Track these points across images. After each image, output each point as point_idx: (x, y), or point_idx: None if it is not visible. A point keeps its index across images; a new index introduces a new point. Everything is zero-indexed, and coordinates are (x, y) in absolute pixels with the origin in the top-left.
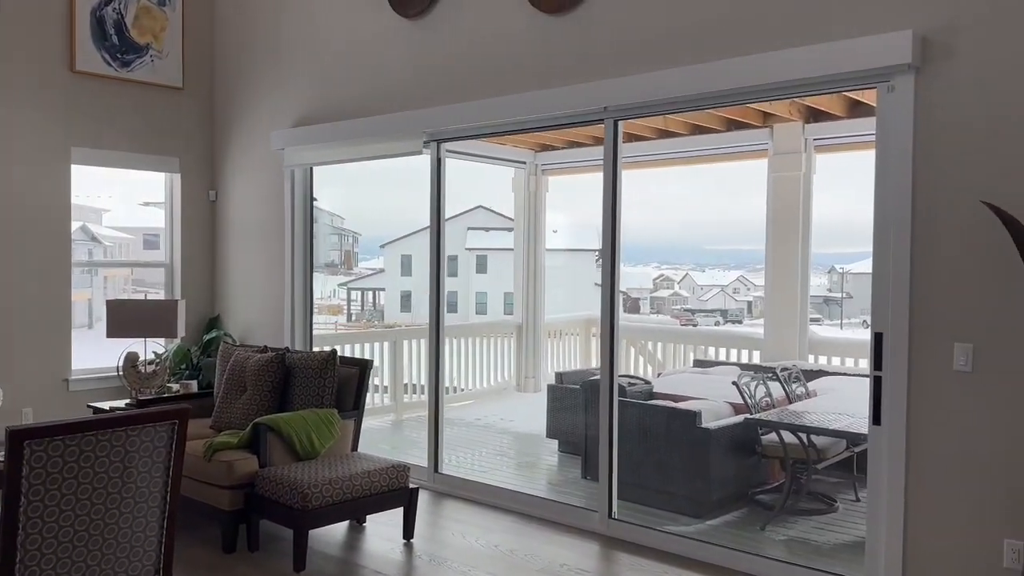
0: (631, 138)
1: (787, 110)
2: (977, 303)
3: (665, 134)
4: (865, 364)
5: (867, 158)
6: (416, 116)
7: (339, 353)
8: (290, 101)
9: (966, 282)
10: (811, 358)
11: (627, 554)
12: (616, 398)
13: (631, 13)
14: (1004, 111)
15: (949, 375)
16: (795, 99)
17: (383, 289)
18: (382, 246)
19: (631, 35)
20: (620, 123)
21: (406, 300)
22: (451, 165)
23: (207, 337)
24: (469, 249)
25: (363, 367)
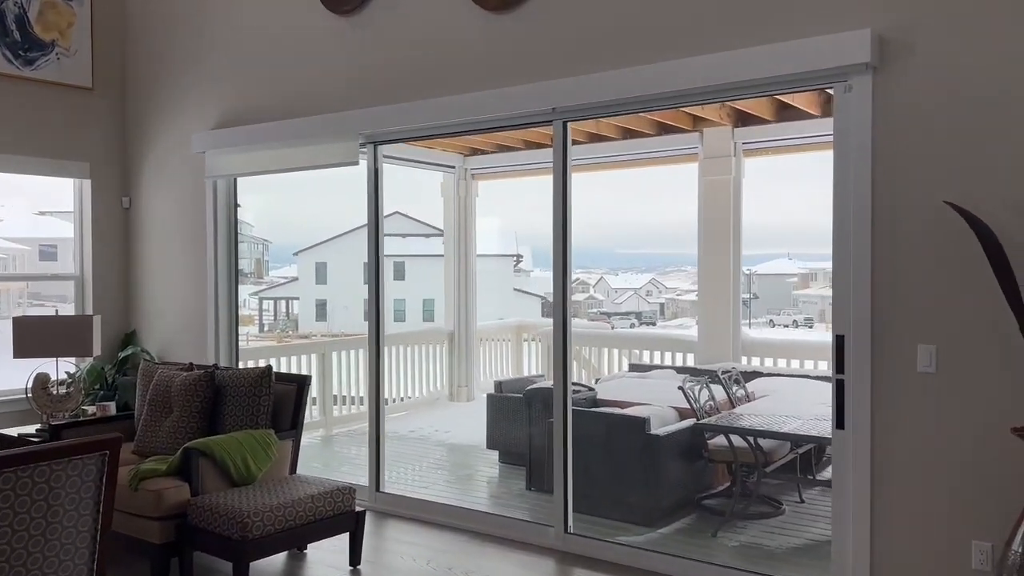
0: None
1: (717, 114)
2: (940, 303)
3: (596, 138)
4: (797, 364)
5: (795, 161)
6: (352, 117)
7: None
8: (212, 101)
9: (928, 282)
10: (744, 360)
11: (586, 570)
12: (570, 408)
13: (580, 11)
14: (963, 110)
15: (913, 376)
16: (751, 98)
17: (297, 298)
18: (295, 254)
19: (580, 34)
20: (569, 124)
21: (321, 309)
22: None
23: (122, 354)
24: (386, 256)
25: (301, 383)
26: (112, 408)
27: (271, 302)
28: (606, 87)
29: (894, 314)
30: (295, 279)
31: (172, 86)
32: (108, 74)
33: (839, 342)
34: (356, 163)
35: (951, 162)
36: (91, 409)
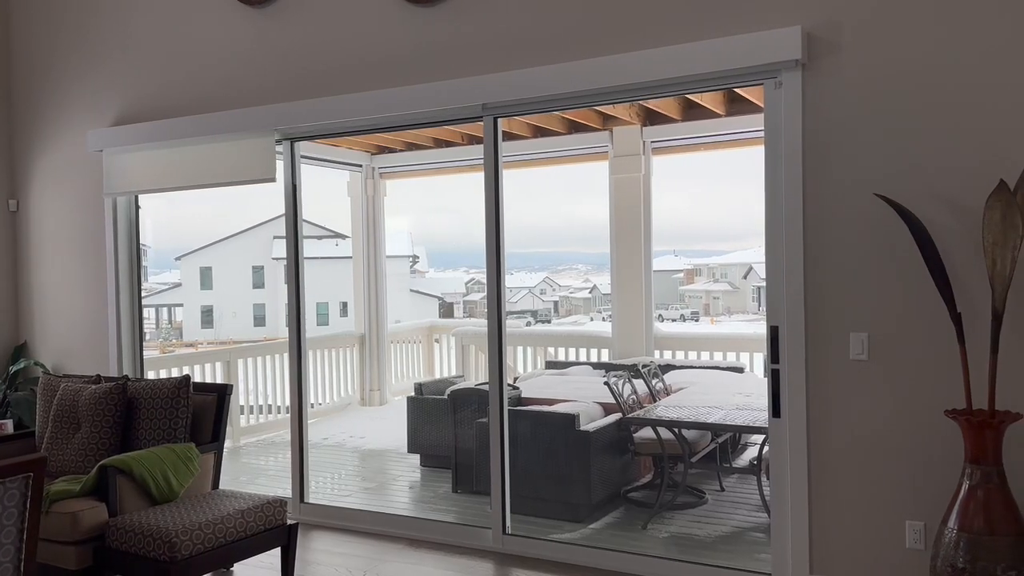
0: (471, 140)
1: (626, 113)
2: (871, 293)
3: (507, 136)
4: (707, 356)
5: (699, 160)
6: (266, 112)
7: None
8: (110, 96)
9: (859, 273)
10: (656, 353)
11: (526, 570)
12: (506, 408)
13: (509, 6)
14: (890, 105)
15: (846, 364)
16: (683, 95)
17: (180, 305)
18: (178, 258)
19: (511, 29)
20: (500, 120)
21: (207, 316)
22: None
23: (14, 368)
24: (277, 259)
25: (221, 393)
26: (9, 426)
27: (152, 309)
28: (534, 83)
29: (827, 304)
30: (178, 285)
31: (64, 80)
32: None
33: (773, 332)
34: (273, 179)
35: (880, 156)
36: None
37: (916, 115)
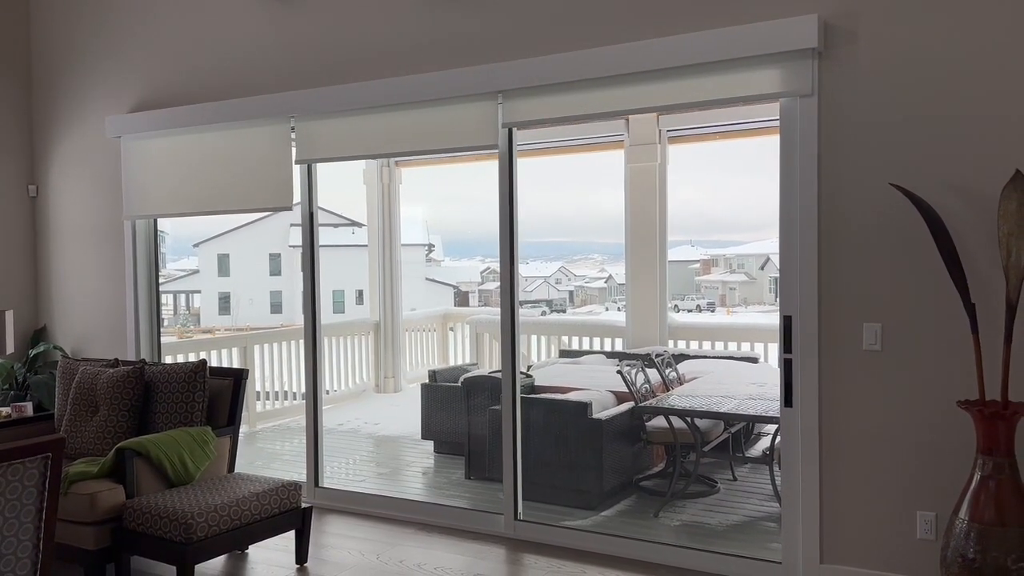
0: None
1: None
2: (884, 283)
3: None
4: (721, 347)
5: (717, 148)
6: (283, 99)
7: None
8: (129, 83)
9: (873, 263)
10: (671, 343)
11: (537, 555)
12: (519, 396)
13: None
14: (906, 95)
15: (859, 354)
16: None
17: (198, 291)
18: (196, 245)
19: (529, 16)
20: (514, 131)
21: (224, 302)
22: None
23: (33, 352)
24: (293, 246)
25: (237, 377)
26: (29, 408)
27: (170, 296)
28: (550, 72)
29: (840, 294)
30: (195, 271)
31: (84, 67)
32: (9, 50)
33: (787, 322)
34: (290, 208)
35: (895, 146)
36: (5, 410)
37: (932, 105)
